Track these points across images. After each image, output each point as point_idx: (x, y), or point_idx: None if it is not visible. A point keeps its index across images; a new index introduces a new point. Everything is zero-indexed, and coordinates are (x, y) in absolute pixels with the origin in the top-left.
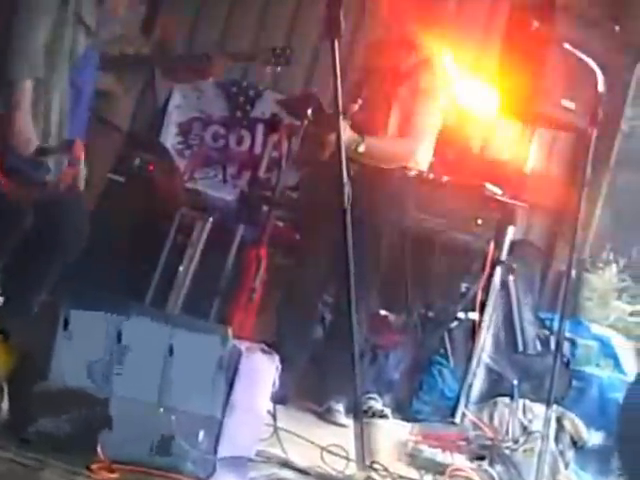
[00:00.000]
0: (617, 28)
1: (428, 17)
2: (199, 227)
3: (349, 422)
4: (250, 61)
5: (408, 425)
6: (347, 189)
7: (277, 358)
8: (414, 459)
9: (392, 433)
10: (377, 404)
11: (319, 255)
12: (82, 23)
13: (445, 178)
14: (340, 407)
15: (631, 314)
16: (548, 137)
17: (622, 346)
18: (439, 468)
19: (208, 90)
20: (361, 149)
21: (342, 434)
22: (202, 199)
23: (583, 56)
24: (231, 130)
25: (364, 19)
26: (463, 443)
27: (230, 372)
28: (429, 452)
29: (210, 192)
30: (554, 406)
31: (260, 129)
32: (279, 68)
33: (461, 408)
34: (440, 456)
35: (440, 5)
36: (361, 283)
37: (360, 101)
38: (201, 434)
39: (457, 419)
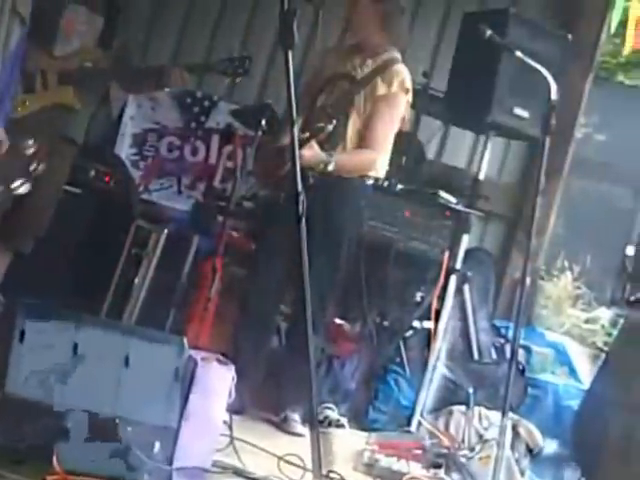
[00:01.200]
0: (570, 37)
1: (383, 24)
2: (154, 238)
3: (305, 431)
4: (208, 71)
5: (364, 434)
6: (302, 197)
7: (233, 368)
8: (370, 468)
9: (348, 442)
10: (333, 413)
11: (274, 265)
12: (16, 13)
13: (400, 186)
14: (296, 416)
15: (586, 321)
16: (502, 145)
17: (577, 353)
18: (395, 477)
19: (163, 101)
20: (330, 168)
21: (299, 443)
22: (157, 210)
23: (536, 64)
24: (186, 141)
25: (318, 28)
26: (419, 452)
27: (186, 382)
28: (385, 461)
29: (165, 203)
30: (510, 414)
31: (215, 140)
32: (238, 79)
33: (417, 417)
34: (396, 465)
35: (395, 12)
36: (317, 292)
37: (334, 122)
38: (157, 445)
39: (413, 428)
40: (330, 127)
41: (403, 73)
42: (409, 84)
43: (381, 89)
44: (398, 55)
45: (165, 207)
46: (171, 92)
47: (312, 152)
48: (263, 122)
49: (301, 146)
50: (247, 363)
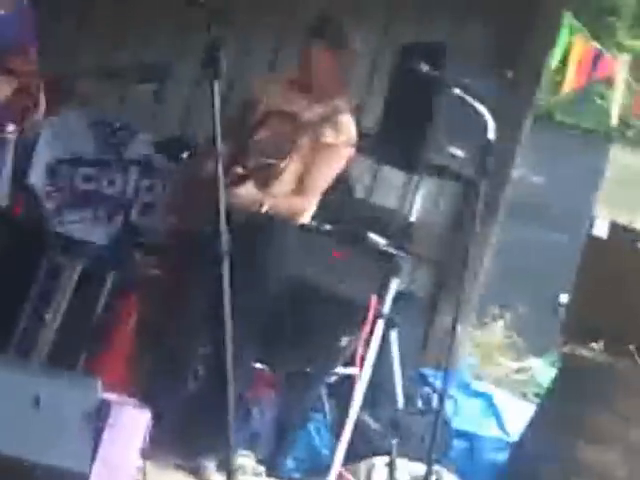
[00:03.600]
0: (510, 74)
1: (338, 72)
2: (67, 273)
3: (221, 479)
4: (121, 78)
5: None
6: (225, 237)
7: (148, 412)
8: None
9: None
10: (250, 461)
11: (193, 304)
12: None
13: (327, 226)
14: (211, 464)
15: (516, 371)
16: (435, 185)
17: (506, 404)
18: None
19: (78, 130)
20: (264, 209)
21: None
22: (71, 244)
23: (474, 102)
24: (102, 172)
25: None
26: None
27: (98, 426)
28: None
29: (80, 236)
30: (434, 465)
31: (133, 172)
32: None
33: (337, 466)
34: None
35: (352, 62)
36: (237, 335)
37: (288, 160)
38: None
39: (332, 478)
40: (273, 166)
41: (350, 125)
42: (354, 138)
43: (327, 137)
44: (347, 105)
45: (80, 241)
46: (89, 121)
47: (248, 191)
48: (185, 155)
49: (236, 181)
50: (162, 406)
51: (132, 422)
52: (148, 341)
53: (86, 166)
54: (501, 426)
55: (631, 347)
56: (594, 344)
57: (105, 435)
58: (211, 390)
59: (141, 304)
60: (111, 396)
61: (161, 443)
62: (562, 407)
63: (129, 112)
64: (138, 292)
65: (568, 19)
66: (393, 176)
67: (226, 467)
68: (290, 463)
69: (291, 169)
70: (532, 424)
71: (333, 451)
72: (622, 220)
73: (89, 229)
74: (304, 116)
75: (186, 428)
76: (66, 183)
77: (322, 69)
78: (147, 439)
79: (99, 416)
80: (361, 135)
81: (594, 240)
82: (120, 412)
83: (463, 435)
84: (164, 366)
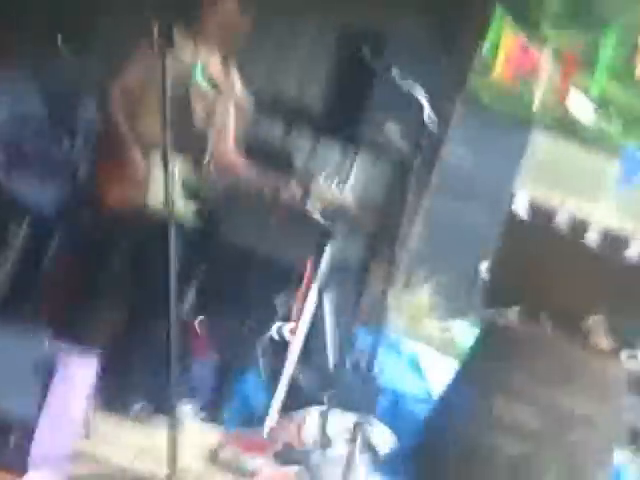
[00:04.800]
0: (444, 59)
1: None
2: (13, 229)
3: (162, 424)
4: None
5: (219, 431)
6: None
7: (96, 360)
8: (224, 465)
9: (203, 438)
10: (189, 409)
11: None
12: None
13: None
14: (152, 410)
15: (442, 330)
16: (371, 160)
17: (431, 362)
18: (249, 474)
19: (28, 91)
20: None
21: (155, 436)
22: (18, 202)
23: (410, 85)
24: (51, 133)
25: None
26: (272, 450)
27: (46, 375)
28: (240, 458)
29: (27, 194)
30: (362, 418)
31: (81, 135)
32: None
33: (272, 417)
34: (251, 462)
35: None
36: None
37: None
38: (16, 432)
39: (267, 428)
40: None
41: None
42: None
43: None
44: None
45: (27, 198)
46: (39, 82)
47: None
48: None
49: None
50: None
51: (80, 369)
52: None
53: (34, 128)
54: (424, 383)
55: (543, 314)
56: (510, 311)
57: (53, 382)
58: (153, 339)
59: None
60: (59, 345)
61: (107, 390)
62: (481, 366)
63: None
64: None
65: (499, 12)
66: (331, 151)
67: (167, 413)
68: (227, 413)
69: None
70: (453, 381)
71: (268, 403)
72: (539, 199)
73: (35, 190)
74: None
75: (125, 374)
76: (13, 142)
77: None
78: (94, 386)
79: (47, 364)
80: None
81: (514, 216)
82: (68, 360)
83: (390, 392)
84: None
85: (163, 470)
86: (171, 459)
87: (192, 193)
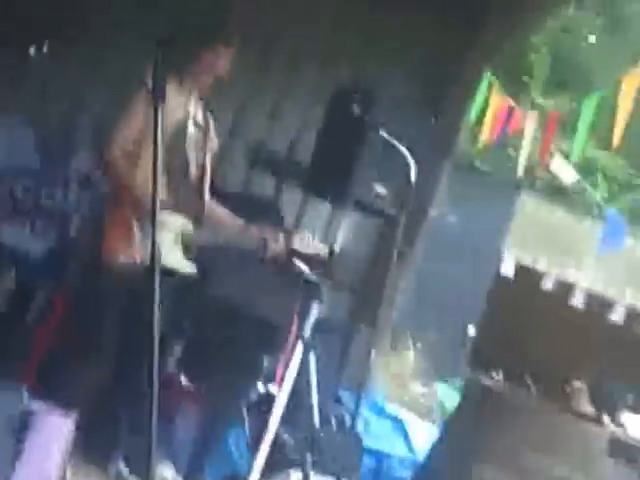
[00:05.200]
0: (433, 121)
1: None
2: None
3: None
4: None
5: None
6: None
7: (72, 420)
8: None
9: None
10: (169, 471)
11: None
12: None
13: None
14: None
15: (423, 395)
16: (358, 219)
17: (414, 425)
18: None
19: (22, 141)
20: None
21: None
22: (6, 252)
23: (399, 145)
24: (43, 184)
25: None
26: None
27: (22, 433)
28: None
29: (15, 245)
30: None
31: (74, 186)
32: None
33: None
34: None
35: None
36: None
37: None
38: None
39: None
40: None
41: None
42: None
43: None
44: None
45: (15, 250)
46: (33, 132)
47: None
48: None
49: None
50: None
51: (55, 430)
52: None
53: (27, 177)
54: (408, 446)
55: (526, 377)
56: (495, 373)
57: (27, 441)
58: (134, 399)
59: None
60: (36, 404)
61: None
62: (464, 430)
63: None
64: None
65: (487, 75)
66: (320, 207)
67: (146, 476)
68: (208, 474)
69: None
70: (436, 445)
71: (250, 465)
72: (526, 261)
73: (25, 239)
74: None
75: (106, 432)
76: (5, 192)
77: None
78: (70, 446)
79: (23, 423)
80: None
81: (501, 278)
82: (44, 420)
83: (373, 453)
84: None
85: None
86: None
87: (189, 247)
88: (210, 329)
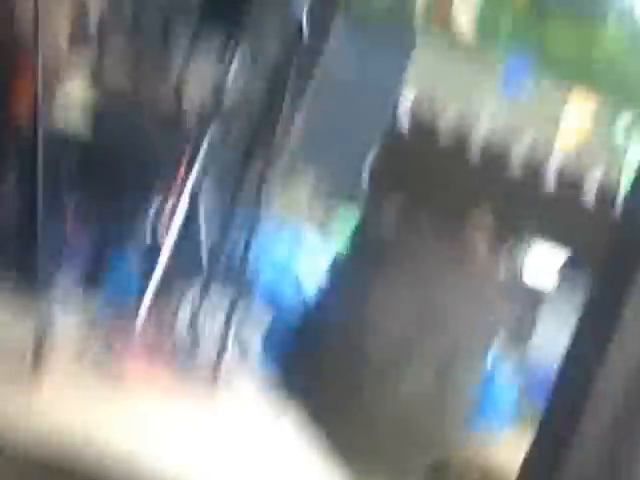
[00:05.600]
0: None
1: None
2: None
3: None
4: None
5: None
6: None
7: None
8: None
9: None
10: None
11: None
12: None
13: None
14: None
15: (322, 220)
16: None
17: (313, 242)
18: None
19: None
20: None
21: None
22: None
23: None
24: None
25: None
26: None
27: None
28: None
29: None
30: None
31: None
32: None
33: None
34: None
35: None
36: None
37: None
38: None
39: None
40: None
41: None
42: None
43: None
44: None
45: None
46: None
47: None
48: None
49: None
50: None
51: None
52: None
53: None
54: (305, 267)
55: (423, 213)
56: (390, 203)
57: None
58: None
59: None
60: None
61: None
62: (356, 265)
63: None
64: None
65: None
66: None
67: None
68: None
69: None
70: (330, 277)
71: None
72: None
73: None
74: None
75: None
76: None
77: None
78: None
79: None
80: None
81: (396, 119)
82: None
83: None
84: None
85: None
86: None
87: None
88: (99, 176)
